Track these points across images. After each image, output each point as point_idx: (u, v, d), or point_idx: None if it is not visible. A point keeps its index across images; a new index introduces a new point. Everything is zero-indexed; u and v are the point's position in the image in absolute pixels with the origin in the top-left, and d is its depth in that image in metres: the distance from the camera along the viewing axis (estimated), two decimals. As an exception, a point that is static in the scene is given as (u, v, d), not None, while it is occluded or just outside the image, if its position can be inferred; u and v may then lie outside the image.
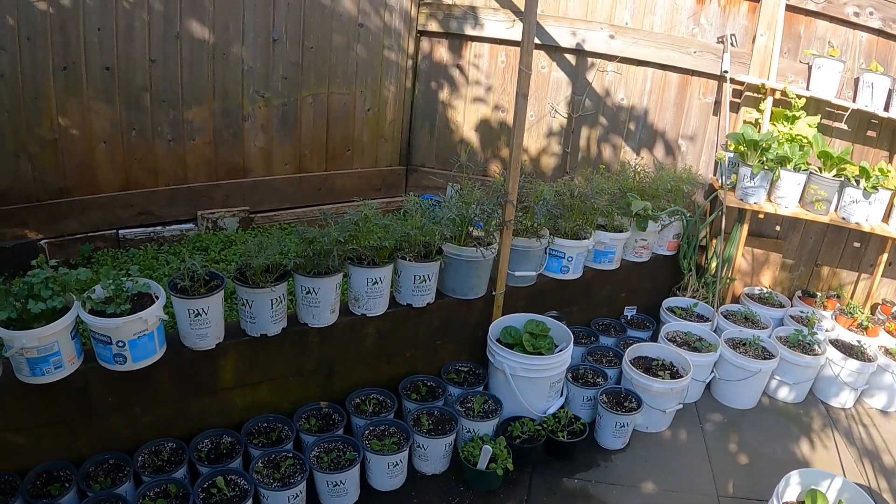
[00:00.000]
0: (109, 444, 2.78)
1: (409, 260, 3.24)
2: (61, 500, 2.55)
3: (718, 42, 4.62)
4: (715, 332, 4.24)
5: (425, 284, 3.33)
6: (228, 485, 2.71)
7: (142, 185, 4.54)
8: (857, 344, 4.26)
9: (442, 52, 5.40)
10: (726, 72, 4.53)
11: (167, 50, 4.32)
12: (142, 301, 2.61)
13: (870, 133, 4.60)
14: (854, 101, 4.41)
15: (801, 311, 4.67)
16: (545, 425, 3.42)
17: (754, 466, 3.55)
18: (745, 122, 4.59)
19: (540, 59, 5.10)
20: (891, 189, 4.13)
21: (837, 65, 4.29)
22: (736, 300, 4.84)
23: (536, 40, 3.32)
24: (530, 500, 3.16)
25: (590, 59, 4.99)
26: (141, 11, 4.14)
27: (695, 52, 4.67)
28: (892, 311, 4.65)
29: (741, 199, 4.35)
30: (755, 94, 4.57)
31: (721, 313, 4.45)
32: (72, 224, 4.32)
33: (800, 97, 4.36)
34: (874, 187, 4.09)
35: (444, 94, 5.51)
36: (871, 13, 4.32)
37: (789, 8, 4.39)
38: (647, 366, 3.82)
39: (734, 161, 4.43)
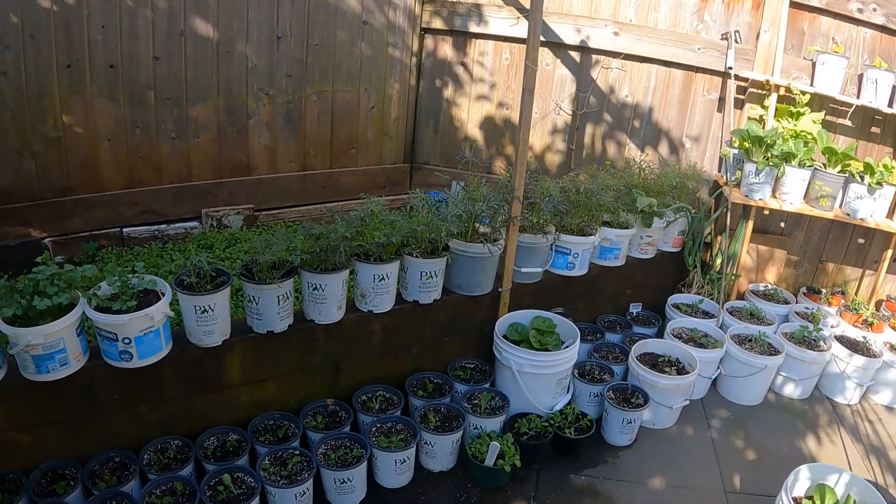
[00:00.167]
0: (115, 441, 2.78)
1: (416, 256, 3.24)
2: (67, 498, 2.54)
3: (722, 39, 4.61)
4: (720, 328, 4.23)
5: (432, 281, 3.32)
6: (235, 482, 2.70)
7: (146, 183, 4.53)
8: (862, 340, 4.25)
9: (446, 49, 5.40)
10: (730, 68, 4.52)
11: (171, 47, 4.31)
12: (148, 298, 2.60)
13: (874, 129, 4.59)
14: (858, 97, 4.40)
15: (807, 308, 4.66)
16: (552, 422, 3.42)
17: (761, 462, 3.54)
18: (749, 118, 4.59)
19: (544, 56, 5.09)
20: (895, 185, 4.12)
21: (841, 61, 4.28)
22: (741, 297, 4.83)
23: (541, 37, 3.31)
24: (538, 496, 3.16)
25: (594, 56, 4.98)
26: (145, 9, 4.13)
27: (699, 49, 4.66)
28: (898, 307, 4.65)
29: (746, 196, 4.34)
30: (759, 91, 4.56)
31: (726, 310, 4.44)
32: (76, 222, 4.31)
33: (804, 93, 4.36)
34: (879, 183, 4.08)
35: (448, 92, 5.50)
36: (874, 9, 4.31)
37: (793, 4, 4.38)
38: (654, 362, 3.81)
39: (739, 157, 4.42)
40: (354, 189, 5.29)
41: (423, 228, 3.26)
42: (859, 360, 4.03)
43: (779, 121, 4.46)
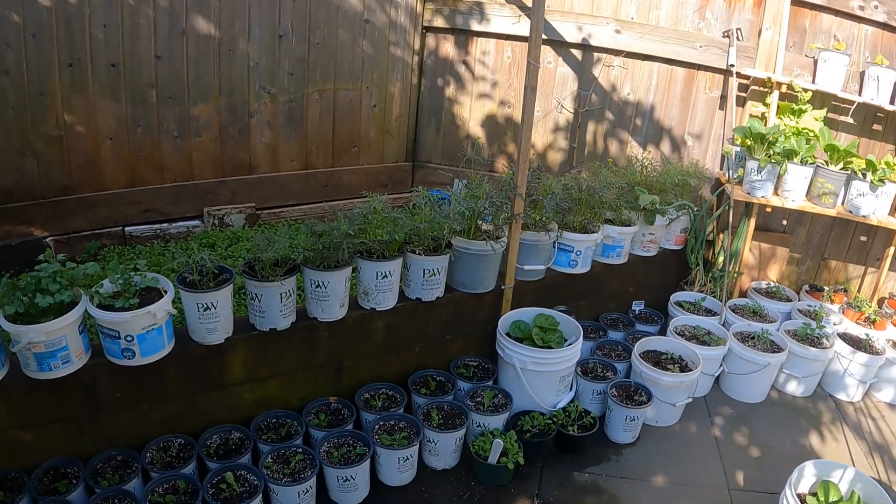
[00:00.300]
0: (117, 440, 2.77)
1: (419, 253, 3.23)
2: (69, 496, 2.54)
3: (724, 36, 4.61)
4: (723, 325, 4.22)
5: (434, 278, 3.31)
6: (238, 480, 2.70)
7: (148, 181, 4.53)
8: (865, 337, 4.24)
9: (448, 47, 5.39)
10: (732, 66, 4.52)
11: (173, 46, 4.31)
12: (150, 295, 2.60)
13: (876, 126, 4.59)
14: (860, 94, 4.40)
15: (809, 305, 4.65)
16: (555, 419, 3.41)
17: (764, 460, 3.54)
18: (751, 115, 4.58)
19: (546, 54, 5.08)
20: (898, 182, 4.12)
21: (843, 58, 4.28)
22: (743, 294, 4.82)
23: (543, 35, 3.30)
24: (541, 494, 3.15)
25: (596, 54, 4.98)
26: (146, 8, 4.13)
27: (700, 47, 4.66)
28: (900, 304, 4.64)
29: (748, 193, 4.33)
30: (761, 88, 4.56)
31: (729, 307, 4.43)
32: (78, 221, 4.31)
33: (806, 91, 4.35)
34: (881, 180, 4.08)
35: (450, 90, 5.50)
36: (875, 7, 4.31)
37: (794, 2, 4.38)
38: (657, 359, 3.81)
39: (741, 155, 4.42)
40: (356, 187, 5.28)
41: (426, 226, 3.26)
42: (862, 357, 4.03)
43: (781, 118, 4.45)
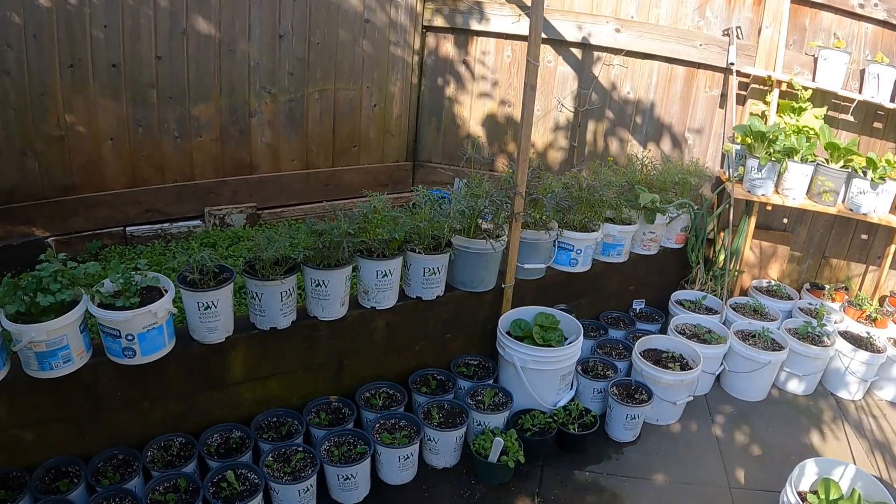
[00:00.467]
0: (118, 439, 2.78)
1: (419, 252, 3.23)
2: (70, 495, 2.54)
3: (724, 35, 4.60)
4: (724, 324, 4.22)
5: (435, 277, 3.32)
6: (238, 479, 2.71)
7: (149, 181, 4.54)
8: (866, 336, 4.24)
9: (448, 47, 5.40)
10: (732, 64, 4.52)
11: (173, 46, 4.32)
12: (151, 295, 2.61)
13: (876, 124, 4.58)
14: (860, 92, 4.40)
15: (810, 304, 4.65)
16: (556, 418, 3.41)
17: (765, 458, 3.54)
18: (751, 114, 4.58)
19: (546, 53, 5.09)
20: (899, 180, 4.12)
21: (843, 56, 4.28)
22: (744, 293, 4.82)
23: (542, 34, 3.31)
24: (541, 492, 3.15)
25: (596, 53, 4.98)
26: (147, 8, 4.14)
27: (700, 45, 4.66)
28: (901, 302, 4.64)
29: (749, 191, 4.33)
30: (761, 87, 4.56)
31: (730, 306, 4.43)
32: (79, 221, 4.31)
33: (806, 89, 4.35)
34: (881, 178, 4.07)
35: (450, 90, 5.50)
36: (875, 4, 4.31)
37: (794, 0, 4.37)
38: (657, 358, 3.81)
39: (741, 153, 4.42)
40: (357, 187, 5.29)
41: (426, 225, 3.26)
42: (863, 355, 4.02)
43: (781, 116, 4.45)
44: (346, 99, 5.21)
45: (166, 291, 2.64)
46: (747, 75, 4.55)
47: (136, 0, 4.09)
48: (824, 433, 3.81)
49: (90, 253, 4.30)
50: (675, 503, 3.17)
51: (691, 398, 3.73)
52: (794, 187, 4.24)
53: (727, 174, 4.56)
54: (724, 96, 4.72)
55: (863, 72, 4.40)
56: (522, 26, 4.99)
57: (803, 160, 4.18)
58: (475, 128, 5.52)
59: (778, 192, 4.33)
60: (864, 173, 4.12)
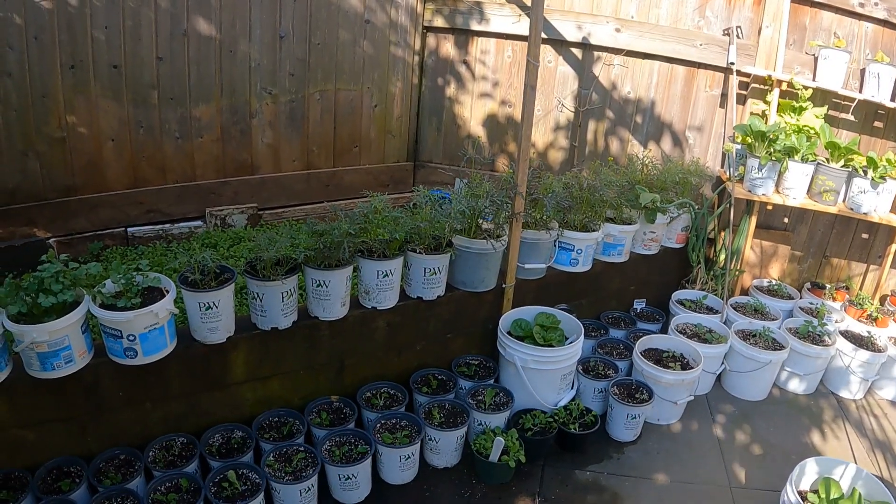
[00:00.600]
0: (120, 439, 2.78)
1: (420, 252, 3.24)
2: (72, 495, 2.55)
3: (724, 34, 4.61)
4: (725, 323, 4.22)
5: (435, 277, 3.32)
6: (240, 479, 2.71)
7: (150, 182, 4.55)
8: (866, 335, 4.24)
9: (448, 47, 5.40)
10: (732, 64, 4.52)
11: (174, 47, 4.33)
12: (152, 295, 2.61)
13: (877, 124, 4.58)
14: (860, 91, 4.40)
15: (811, 303, 4.65)
16: (557, 417, 3.42)
17: (766, 458, 3.54)
18: (751, 113, 4.58)
19: (546, 53, 5.09)
20: (899, 179, 4.12)
21: (843, 55, 4.28)
22: (745, 292, 4.82)
23: (543, 34, 3.31)
24: (542, 492, 3.16)
25: (596, 53, 4.99)
26: (147, 9, 4.15)
27: (701, 45, 4.66)
28: (902, 302, 4.64)
29: (749, 191, 4.33)
30: (761, 86, 4.56)
31: (730, 305, 4.43)
32: (80, 222, 4.33)
33: (806, 88, 4.35)
34: (882, 177, 4.07)
35: (450, 90, 5.51)
36: (875, 4, 4.31)
37: (795, -1, 4.39)
38: (658, 357, 3.81)
39: (742, 153, 4.42)
40: (358, 187, 5.30)
41: (427, 225, 3.26)
42: (864, 354, 4.02)
43: (781, 116, 4.45)
44: (347, 99, 5.21)
45: (168, 292, 2.64)
46: (748, 75, 4.55)
47: (137, 1, 4.10)
48: (825, 432, 3.81)
49: (92, 254, 4.31)
50: (676, 503, 3.18)
51: (692, 398, 3.73)
52: (794, 187, 4.24)
53: (728, 174, 4.56)
54: (724, 96, 4.73)
55: (863, 71, 4.40)
56: (522, 26, 4.99)
57: (804, 159, 4.18)
58: (476, 128, 5.53)
59: (778, 192, 4.33)
60: (865, 172, 4.12)
